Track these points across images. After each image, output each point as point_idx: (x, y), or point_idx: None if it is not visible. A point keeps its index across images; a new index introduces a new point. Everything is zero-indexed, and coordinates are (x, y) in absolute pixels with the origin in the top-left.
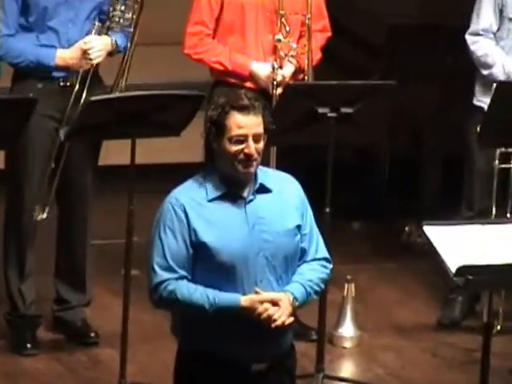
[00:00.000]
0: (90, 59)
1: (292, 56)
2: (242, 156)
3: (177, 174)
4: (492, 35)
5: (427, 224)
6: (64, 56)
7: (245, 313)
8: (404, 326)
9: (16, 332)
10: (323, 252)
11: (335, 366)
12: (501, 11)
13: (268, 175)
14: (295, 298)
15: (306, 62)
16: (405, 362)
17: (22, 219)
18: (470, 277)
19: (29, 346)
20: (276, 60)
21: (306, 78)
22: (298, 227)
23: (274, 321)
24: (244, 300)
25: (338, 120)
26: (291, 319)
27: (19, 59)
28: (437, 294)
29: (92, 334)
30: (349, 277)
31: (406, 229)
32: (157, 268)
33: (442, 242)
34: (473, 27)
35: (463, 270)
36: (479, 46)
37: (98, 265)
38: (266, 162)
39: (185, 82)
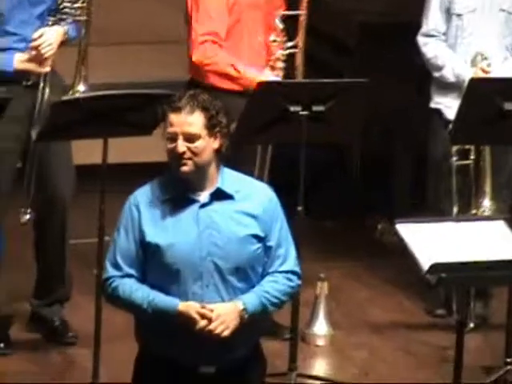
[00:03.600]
0: (42, 54)
1: (283, 56)
2: (173, 154)
3: (148, 173)
4: (442, 36)
5: (399, 222)
6: (21, 59)
7: (181, 319)
8: (377, 323)
9: None
10: (291, 265)
11: (308, 364)
12: (448, 9)
13: (238, 181)
14: (245, 309)
15: (298, 60)
16: (377, 359)
17: None
18: (443, 274)
19: (1, 345)
20: (270, 61)
21: (296, 73)
22: (255, 237)
23: (210, 331)
24: (181, 305)
25: (309, 118)
26: (227, 332)
27: None
28: (410, 291)
29: (70, 334)
30: (322, 275)
31: (379, 226)
32: (107, 264)
33: (414, 240)
34: (423, 28)
35: (436, 268)
36: (429, 47)
37: (70, 264)
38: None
39: (158, 81)
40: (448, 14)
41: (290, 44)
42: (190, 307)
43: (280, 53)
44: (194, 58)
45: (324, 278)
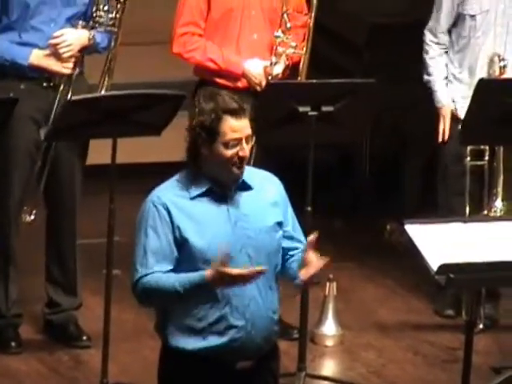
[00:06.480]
0: (60, 54)
1: (289, 53)
2: (236, 159)
3: (157, 173)
4: (447, 36)
5: (408, 222)
6: (38, 55)
7: (213, 283)
8: (385, 324)
9: None
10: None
11: (317, 364)
12: (459, 9)
13: (249, 173)
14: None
15: (302, 61)
16: (386, 360)
17: (5, 222)
18: (452, 275)
19: (13, 344)
20: (275, 56)
21: (299, 77)
22: (279, 224)
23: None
24: (208, 271)
25: (319, 119)
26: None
27: None
28: (418, 292)
29: (84, 338)
30: (330, 275)
31: (388, 227)
32: (138, 266)
33: (423, 241)
34: (431, 24)
35: (445, 268)
36: (431, 49)
37: (79, 265)
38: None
39: (167, 81)
40: (460, 14)
41: (293, 44)
42: (214, 266)
43: (282, 50)
44: (174, 50)
45: (333, 279)
